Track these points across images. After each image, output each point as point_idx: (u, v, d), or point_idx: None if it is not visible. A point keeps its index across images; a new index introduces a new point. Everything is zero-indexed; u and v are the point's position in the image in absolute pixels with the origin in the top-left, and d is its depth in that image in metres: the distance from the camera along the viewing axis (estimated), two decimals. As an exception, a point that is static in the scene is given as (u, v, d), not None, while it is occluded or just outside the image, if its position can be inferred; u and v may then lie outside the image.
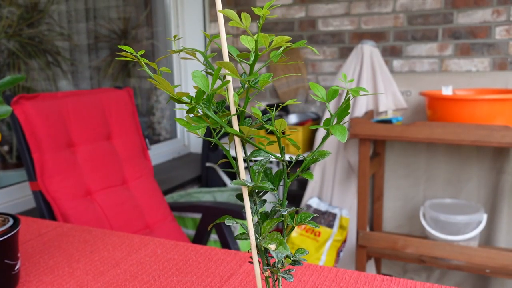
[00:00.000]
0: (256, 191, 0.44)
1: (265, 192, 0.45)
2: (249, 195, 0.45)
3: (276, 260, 0.44)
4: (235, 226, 1.85)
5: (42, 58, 2.02)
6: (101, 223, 1.38)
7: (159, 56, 2.69)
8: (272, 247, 0.41)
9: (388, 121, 1.94)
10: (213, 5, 2.69)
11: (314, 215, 0.44)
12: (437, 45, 2.20)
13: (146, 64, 0.41)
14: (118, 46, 0.40)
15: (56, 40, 2.12)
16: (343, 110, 0.39)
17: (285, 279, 0.44)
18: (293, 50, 2.51)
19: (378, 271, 2.29)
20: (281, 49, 0.40)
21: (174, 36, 0.41)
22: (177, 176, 2.33)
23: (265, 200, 0.45)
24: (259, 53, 0.38)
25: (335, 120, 0.39)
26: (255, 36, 0.38)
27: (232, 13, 0.36)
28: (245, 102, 0.41)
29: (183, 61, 2.71)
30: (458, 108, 1.75)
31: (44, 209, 1.31)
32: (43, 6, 2.03)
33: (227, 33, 0.41)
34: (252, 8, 0.38)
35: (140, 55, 0.41)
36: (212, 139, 0.43)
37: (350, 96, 0.38)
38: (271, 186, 0.44)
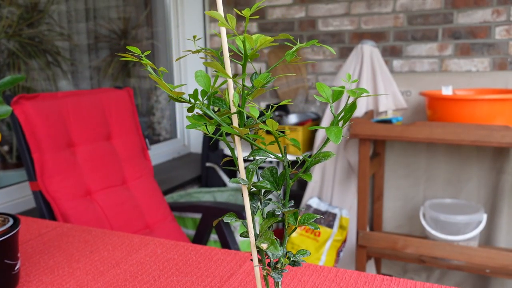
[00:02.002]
0: (263, 190, 0.45)
1: (270, 192, 0.45)
2: (254, 195, 0.45)
3: (271, 259, 0.45)
4: (235, 226, 1.85)
5: (42, 58, 2.02)
6: (101, 223, 1.38)
7: (159, 56, 2.69)
8: (264, 246, 0.41)
9: (388, 121, 1.94)
10: (213, 5, 2.68)
11: (318, 216, 0.44)
12: (437, 45, 2.21)
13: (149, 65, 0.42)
14: (127, 47, 0.40)
15: (56, 40, 2.12)
16: (348, 111, 0.39)
17: (273, 278, 0.44)
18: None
19: (378, 271, 2.29)
20: (294, 48, 0.40)
21: (194, 37, 0.41)
22: (177, 176, 2.33)
23: (270, 200, 0.45)
24: (248, 54, 0.39)
25: (341, 122, 0.39)
26: (241, 37, 0.38)
27: (218, 14, 0.37)
28: (242, 102, 0.41)
29: (183, 61, 2.71)
30: (458, 108, 1.75)
31: (44, 209, 1.31)
32: (43, 6, 2.03)
33: (227, 33, 0.42)
34: (235, 10, 0.39)
35: (136, 55, 0.41)
36: (220, 137, 0.43)
37: (355, 97, 0.38)
38: (268, 186, 0.44)
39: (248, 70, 2.68)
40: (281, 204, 0.44)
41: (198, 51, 0.42)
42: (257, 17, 0.39)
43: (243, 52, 0.40)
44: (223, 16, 0.38)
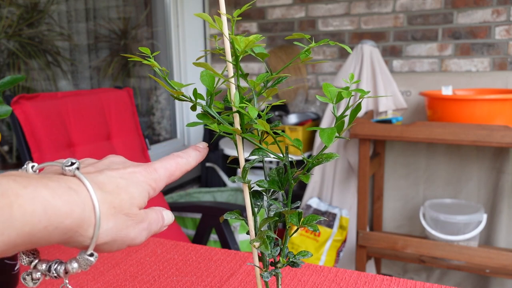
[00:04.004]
0: (271, 190, 0.45)
1: (276, 191, 0.45)
2: (261, 193, 0.45)
3: (267, 258, 0.45)
4: (235, 226, 1.85)
5: (42, 58, 2.02)
6: (101, 223, 1.38)
7: (159, 56, 2.69)
8: (256, 245, 0.41)
9: (388, 121, 1.94)
10: (213, 5, 2.69)
11: (322, 218, 0.44)
12: (437, 45, 2.20)
13: (149, 64, 0.42)
14: (139, 48, 0.41)
15: (56, 40, 2.12)
16: (353, 112, 0.39)
17: (262, 277, 0.44)
18: (293, 50, 2.51)
19: (378, 271, 2.29)
20: (308, 47, 0.40)
21: (215, 36, 0.41)
22: (177, 176, 2.33)
23: (276, 199, 0.45)
24: (238, 54, 0.39)
25: (346, 121, 0.40)
26: (232, 37, 0.39)
27: (206, 16, 0.37)
28: (239, 102, 0.41)
29: (183, 61, 2.71)
30: (458, 108, 1.75)
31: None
32: (43, 6, 2.03)
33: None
34: (219, 11, 0.39)
35: (141, 55, 0.41)
36: (229, 136, 0.43)
37: (359, 98, 0.38)
38: (266, 185, 0.44)
39: (252, 70, 2.68)
40: (282, 204, 0.44)
41: (218, 51, 0.42)
42: (239, 18, 0.40)
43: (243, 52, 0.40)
44: (224, 15, 0.39)
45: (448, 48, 2.19)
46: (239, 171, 0.44)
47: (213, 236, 1.87)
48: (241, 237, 1.87)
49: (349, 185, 2.20)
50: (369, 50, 2.13)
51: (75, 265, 0.34)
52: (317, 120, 2.34)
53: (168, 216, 0.39)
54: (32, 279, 0.35)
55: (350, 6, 2.35)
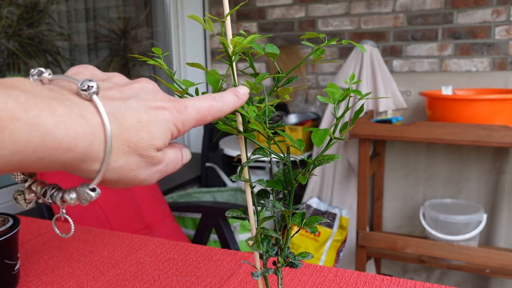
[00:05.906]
0: (278, 190, 0.45)
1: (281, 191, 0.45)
2: (267, 193, 0.45)
3: (264, 258, 0.45)
4: (235, 226, 1.85)
5: (42, 58, 2.02)
6: (101, 223, 1.38)
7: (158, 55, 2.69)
8: (250, 243, 0.42)
9: (388, 121, 1.94)
10: (213, 5, 2.68)
11: (324, 220, 0.44)
12: (437, 45, 2.20)
13: (153, 63, 0.42)
14: (152, 48, 0.41)
15: (56, 40, 2.12)
16: (357, 113, 0.39)
17: (252, 276, 0.44)
18: (293, 50, 2.51)
19: (378, 271, 2.29)
20: (317, 47, 0.40)
21: (230, 39, 0.42)
22: (177, 176, 2.33)
23: (281, 199, 0.45)
24: (231, 55, 0.40)
25: (348, 123, 0.40)
26: (221, 39, 0.39)
27: (198, 18, 0.38)
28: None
29: (183, 59, 2.71)
30: (458, 108, 1.75)
31: (44, 209, 1.31)
32: (43, 6, 2.03)
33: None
34: (207, 13, 0.40)
35: (148, 54, 0.41)
36: (234, 133, 0.43)
37: (358, 99, 0.38)
38: (264, 184, 0.44)
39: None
40: (282, 204, 0.44)
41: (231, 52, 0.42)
42: (224, 20, 0.40)
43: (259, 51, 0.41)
44: (213, 18, 0.39)
45: (448, 48, 2.19)
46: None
47: (213, 236, 1.87)
48: (241, 237, 1.87)
49: (349, 185, 2.20)
50: (369, 50, 2.13)
51: (73, 195, 0.30)
52: (317, 120, 2.34)
53: (187, 155, 0.36)
54: (25, 200, 0.32)
55: (350, 6, 2.35)
